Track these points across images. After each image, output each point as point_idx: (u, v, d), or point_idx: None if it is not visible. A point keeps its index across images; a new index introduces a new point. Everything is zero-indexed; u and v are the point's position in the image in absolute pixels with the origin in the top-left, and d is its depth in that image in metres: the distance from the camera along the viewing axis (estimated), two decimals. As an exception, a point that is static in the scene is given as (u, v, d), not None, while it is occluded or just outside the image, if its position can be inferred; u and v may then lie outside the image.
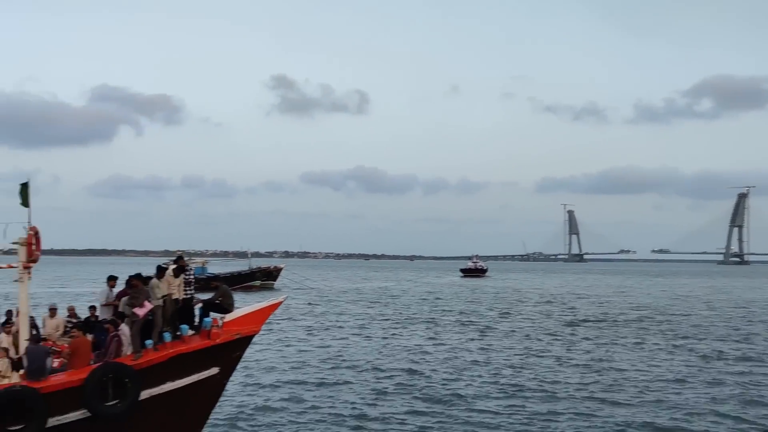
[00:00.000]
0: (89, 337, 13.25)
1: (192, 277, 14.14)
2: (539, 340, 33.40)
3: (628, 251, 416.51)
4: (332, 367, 24.49)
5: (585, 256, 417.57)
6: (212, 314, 13.64)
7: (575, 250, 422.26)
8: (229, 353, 13.56)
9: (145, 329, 12.83)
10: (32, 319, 13.61)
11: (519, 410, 18.31)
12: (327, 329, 36.78)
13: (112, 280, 14.68)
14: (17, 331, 12.93)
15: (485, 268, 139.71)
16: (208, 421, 14.33)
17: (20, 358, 12.19)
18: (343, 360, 26.15)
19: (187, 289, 13.95)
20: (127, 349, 12.53)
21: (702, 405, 19.01)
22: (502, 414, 17.90)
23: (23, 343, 12.51)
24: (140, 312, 12.62)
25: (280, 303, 14.52)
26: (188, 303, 13.91)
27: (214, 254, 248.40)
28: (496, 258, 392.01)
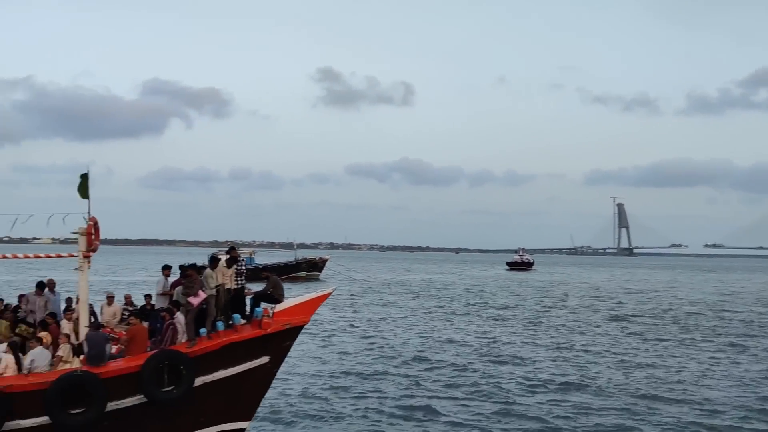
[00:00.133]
0: (145, 324, 13.66)
1: (243, 267, 14.45)
2: (584, 334, 33.01)
3: (680, 246, 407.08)
4: (375, 358, 24.68)
5: (635, 251, 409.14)
6: (263, 304, 13.93)
7: (624, 244, 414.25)
8: (279, 343, 13.81)
9: (198, 318, 13.19)
10: (91, 306, 14.11)
11: (560, 404, 18.21)
12: (370, 321, 37.04)
13: (166, 269, 15.09)
14: (77, 318, 13.42)
15: (531, 261, 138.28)
16: (258, 408, 14.65)
17: (80, 344, 12.65)
18: (386, 351, 26.33)
19: (239, 279, 14.25)
20: (182, 337, 12.90)
21: (750, 405, 18.53)
22: (543, 408, 17.80)
23: (83, 330, 12.98)
24: (194, 301, 12.97)
25: (329, 294, 14.72)
26: (240, 293, 14.23)
27: (261, 245, 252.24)
28: (542, 251, 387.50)
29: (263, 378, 13.98)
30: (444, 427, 16.16)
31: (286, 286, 15.03)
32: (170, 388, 12.28)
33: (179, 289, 13.80)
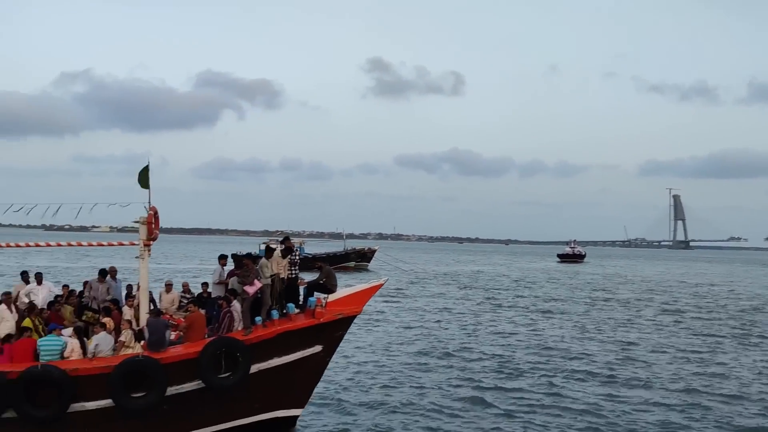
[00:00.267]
0: (202, 312, 14.00)
1: (297, 257, 14.66)
2: (636, 328, 32.35)
3: (739, 239, 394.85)
4: (420, 349, 24.71)
5: (691, 243, 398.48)
6: (316, 294, 14.13)
7: (681, 237, 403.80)
8: (332, 332, 14.00)
9: (254, 307, 13.47)
10: (150, 293, 14.54)
11: (609, 398, 17.92)
12: (417, 311, 37.07)
13: (223, 259, 15.43)
14: (138, 305, 13.85)
15: (583, 253, 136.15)
16: (311, 397, 14.88)
17: (141, 330, 13.07)
18: (432, 342, 26.32)
19: (293, 269, 14.49)
20: (238, 325, 13.20)
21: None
22: (592, 401, 17.54)
23: (143, 316, 13.40)
24: (250, 290, 13.25)
25: (381, 285, 14.83)
26: (293, 283, 14.46)
27: (311, 235, 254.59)
28: (595, 244, 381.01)
29: (316, 366, 14.21)
30: (489, 418, 16.10)
31: (335, 276, 15.12)
32: (227, 374, 12.60)
33: (234, 278, 14.11)
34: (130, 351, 12.41)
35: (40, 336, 12.60)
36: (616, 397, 18.17)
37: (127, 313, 13.81)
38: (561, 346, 26.40)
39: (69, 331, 12.88)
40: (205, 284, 15.91)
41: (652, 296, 52.69)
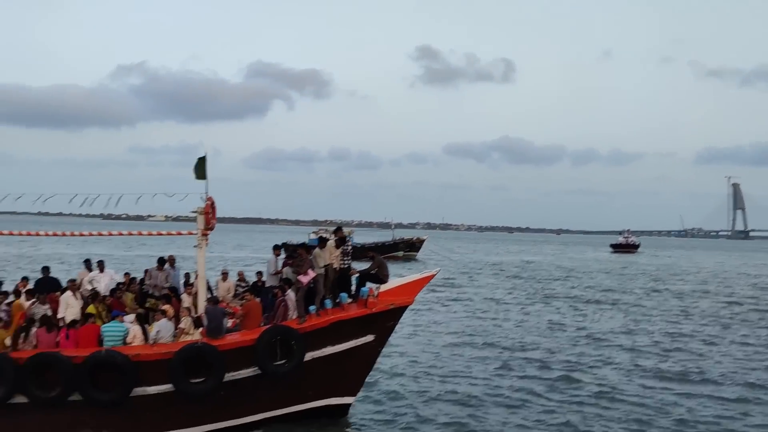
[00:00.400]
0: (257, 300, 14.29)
1: (350, 248, 14.79)
2: (691, 321, 31.55)
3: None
4: (467, 340, 24.63)
5: (751, 233, 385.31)
6: (368, 284, 14.24)
7: (740, 227, 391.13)
8: (384, 322, 14.10)
9: (307, 296, 13.68)
10: (206, 281, 14.90)
11: (660, 392, 17.58)
12: (465, 302, 36.93)
13: (277, 249, 15.67)
14: (196, 293, 14.22)
15: (637, 243, 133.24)
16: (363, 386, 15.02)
17: (199, 317, 13.43)
18: (480, 333, 26.21)
19: (345, 259, 14.63)
20: (293, 314, 13.43)
21: None
22: (642, 395, 17.24)
23: (202, 304, 13.75)
24: (304, 279, 13.46)
25: (433, 276, 14.84)
26: (345, 272, 14.61)
27: (359, 225, 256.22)
28: (650, 233, 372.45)
29: (368, 356, 14.34)
30: (535, 408, 16.01)
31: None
32: (282, 361, 12.85)
33: (288, 268, 14.34)
34: (189, 338, 12.78)
35: (104, 322, 13.08)
36: (667, 390, 17.82)
37: (186, 300, 14.18)
38: (611, 338, 25.96)
39: (131, 317, 13.34)
40: (259, 273, 16.22)
41: (708, 288, 51.26)
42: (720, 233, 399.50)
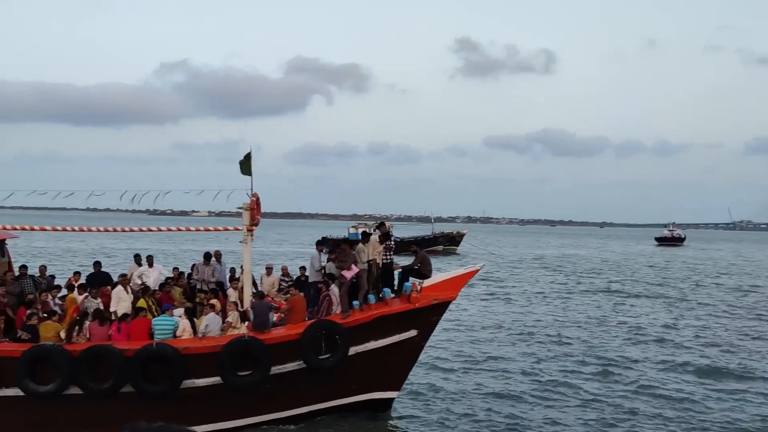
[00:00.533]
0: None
1: (393, 243, 14.84)
2: (735, 317, 30.71)
3: None
4: (508, 334, 24.48)
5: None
6: (411, 279, 14.28)
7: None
8: (427, 317, 14.13)
9: (350, 291, 13.79)
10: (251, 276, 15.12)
11: (705, 388, 17.26)
12: (506, 296, 36.66)
13: (320, 245, 15.82)
14: (242, 287, 14.45)
15: (683, 236, 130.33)
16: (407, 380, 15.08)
17: (245, 312, 13.65)
18: (520, 327, 26.00)
19: (388, 254, 14.70)
20: (336, 308, 13.56)
21: None
22: (686, 391, 16.94)
23: (247, 298, 13.98)
24: (348, 274, 13.56)
25: (477, 271, 14.81)
26: (388, 267, 14.67)
27: (398, 219, 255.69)
28: (696, 226, 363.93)
29: (411, 350, 14.40)
30: (574, 402, 15.88)
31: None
32: (326, 356, 13.00)
33: (331, 263, 14.47)
34: (236, 332, 13.00)
35: (154, 316, 13.40)
36: (710, 387, 17.50)
37: (232, 295, 14.42)
38: (653, 333, 25.51)
39: (180, 311, 13.63)
40: (302, 268, 16.39)
41: (756, 282, 49.88)
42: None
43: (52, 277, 16.13)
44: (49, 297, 14.11)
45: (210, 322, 12.90)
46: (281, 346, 12.86)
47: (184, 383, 12.52)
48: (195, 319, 13.40)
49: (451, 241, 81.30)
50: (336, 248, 14.80)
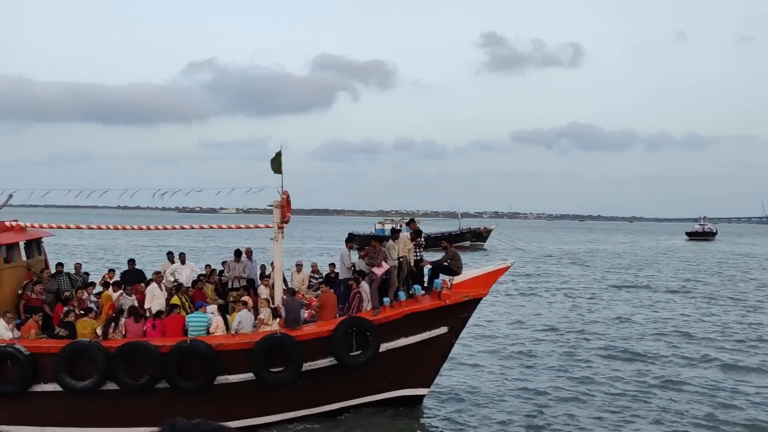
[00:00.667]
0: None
1: (423, 240, 14.83)
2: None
3: None
4: (536, 330, 24.33)
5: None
6: (441, 276, 14.26)
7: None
8: (457, 314, 14.11)
9: (381, 288, 13.82)
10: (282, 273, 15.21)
11: (735, 383, 17.01)
12: (534, 291, 36.41)
13: (349, 242, 15.87)
14: (273, 284, 14.56)
15: (714, 231, 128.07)
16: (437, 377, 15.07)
17: (277, 308, 13.76)
18: (548, 323, 25.81)
19: (417, 251, 14.69)
20: (367, 305, 13.60)
21: None
22: (713, 387, 16.70)
23: (278, 295, 14.08)
24: (378, 271, 13.59)
25: (508, 268, 14.73)
26: (418, 264, 14.67)
27: (425, 214, 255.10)
28: (728, 220, 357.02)
29: (442, 347, 14.39)
30: (599, 397, 15.76)
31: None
32: (358, 352, 13.06)
33: (362, 260, 14.50)
34: (268, 328, 13.11)
35: (188, 313, 13.57)
36: (741, 383, 17.21)
37: (264, 292, 14.54)
38: (682, 329, 25.18)
39: (212, 308, 13.79)
40: (332, 265, 16.45)
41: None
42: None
43: (87, 274, 16.43)
44: (85, 294, 14.38)
45: (243, 318, 13.03)
46: (313, 343, 12.94)
47: (217, 379, 12.67)
48: (227, 316, 13.54)
49: (478, 236, 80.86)
50: (365, 245, 14.83)
